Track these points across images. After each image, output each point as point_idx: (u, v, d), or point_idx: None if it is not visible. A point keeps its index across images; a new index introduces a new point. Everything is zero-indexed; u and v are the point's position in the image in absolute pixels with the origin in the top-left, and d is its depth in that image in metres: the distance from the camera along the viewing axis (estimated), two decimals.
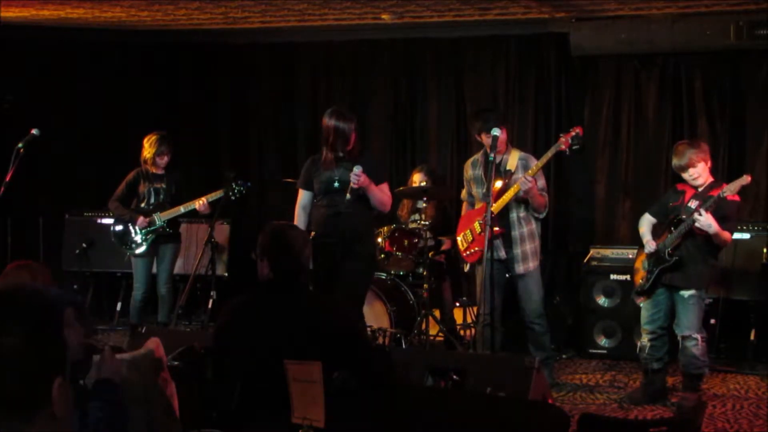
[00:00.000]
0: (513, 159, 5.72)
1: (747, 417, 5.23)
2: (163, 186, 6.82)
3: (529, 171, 5.56)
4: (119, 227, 6.84)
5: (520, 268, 5.71)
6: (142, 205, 6.81)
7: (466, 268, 6.10)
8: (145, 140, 6.80)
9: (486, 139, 5.68)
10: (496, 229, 5.61)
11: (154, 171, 6.80)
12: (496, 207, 5.58)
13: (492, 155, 5.17)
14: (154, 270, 6.93)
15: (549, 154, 5.63)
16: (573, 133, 5.61)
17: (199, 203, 6.64)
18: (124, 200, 6.83)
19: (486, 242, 5.12)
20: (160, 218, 6.72)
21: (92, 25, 7.87)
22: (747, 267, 6.43)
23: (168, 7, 7.07)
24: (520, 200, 5.66)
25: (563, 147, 5.59)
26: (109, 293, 8.19)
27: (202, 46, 8.59)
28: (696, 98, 7.22)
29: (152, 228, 6.74)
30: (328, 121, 5.28)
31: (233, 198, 6.64)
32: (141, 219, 6.72)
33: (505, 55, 7.82)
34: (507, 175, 5.67)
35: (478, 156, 5.92)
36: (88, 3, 6.88)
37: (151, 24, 7.88)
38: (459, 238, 5.94)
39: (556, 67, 7.63)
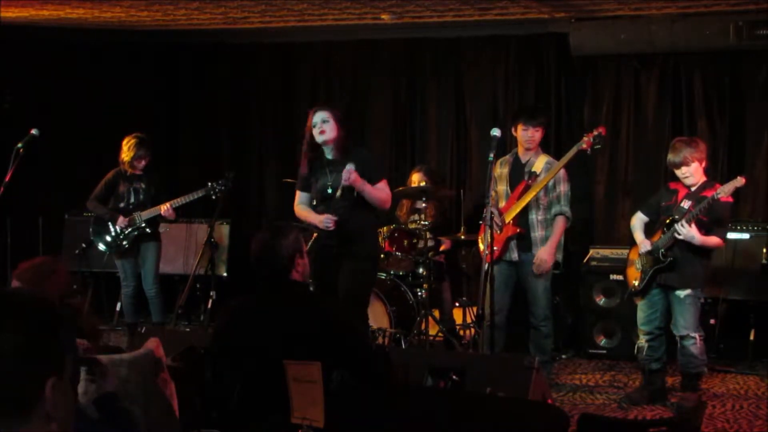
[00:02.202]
0: (540, 162, 5.74)
1: (746, 417, 5.23)
2: (143, 186, 6.82)
3: (538, 162, 5.59)
4: (98, 227, 6.85)
5: (534, 271, 5.71)
6: (121, 204, 6.82)
7: (485, 267, 6.09)
8: (124, 143, 6.79)
9: (519, 133, 5.81)
10: (517, 228, 5.68)
11: (132, 172, 6.80)
12: (516, 207, 5.68)
13: (491, 155, 5.16)
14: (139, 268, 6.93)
15: (570, 153, 5.67)
16: (595, 133, 5.66)
17: (164, 208, 6.65)
18: (103, 200, 6.84)
19: (486, 242, 5.13)
20: (140, 217, 6.73)
21: (92, 25, 7.87)
22: (747, 267, 6.43)
23: (168, 8, 7.08)
24: (543, 205, 5.67)
25: (585, 146, 5.62)
26: (109, 293, 8.18)
27: (202, 46, 8.60)
28: (696, 98, 7.22)
29: (133, 227, 6.75)
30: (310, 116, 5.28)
31: (214, 197, 6.63)
32: (121, 218, 6.73)
33: (505, 55, 7.81)
34: (531, 177, 5.69)
35: (507, 156, 5.98)
36: (88, 3, 6.88)
37: (151, 24, 7.88)
38: (480, 238, 5.93)
39: (555, 68, 7.62)
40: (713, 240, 5.25)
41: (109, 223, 6.76)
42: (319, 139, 5.19)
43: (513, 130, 5.92)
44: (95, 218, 6.91)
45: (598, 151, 5.86)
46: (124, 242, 6.76)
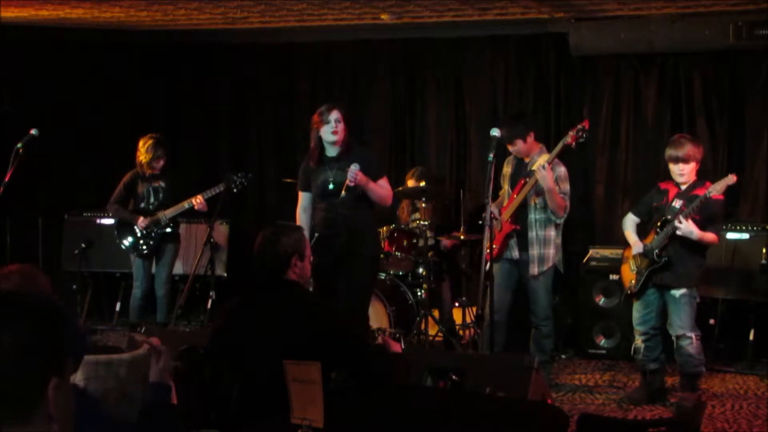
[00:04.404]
0: (541, 161, 5.72)
1: (746, 417, 5.23)
2: (162, 185, 6.83)
3: (539, 161, 5.59)
4: (123, 229, 6.85)
5: (530, 271, 5.71)
6: (142, 205, 6.83)
7: (487, 266, 6.07)
8: (141, 143, 6.80)
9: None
10: (513, 225, 5.70)
11: (151, 172, 6.81)
12: (512, 205, 5.72)
13: (491, 155, 5.16)
14: (153, 270, 6.94)
15: (557, 148, 5.67)
16: (579, 127, 5.68)
17: (197, 201, 6.66)
18: (123, 202, 6.84)
19: (485, 243, 5.13)
20: (165, 216, 6.74)
21: (92, 25, 7.87)
22: (746, 267, 6.43)
23: (167, 8, 7.07)
24: (539, 204, 5.67)
25: (570, 141, 5.62)
26: (109, 293, 8.19)
27: (202, 46, 8.60)
28: (695, 98, 7.22)
29: (158, 226, 6.76)
30: (319, 109, 5.31)
31: (235, 190, 6.65)
32: (141, 219, 6.73)
33: (505, 55, 7.82)
34: (530, 176, 5.68)
35: (512, 156, 6.00)
36: (88, 3, 6.87)
37: (150, 24, 7.88)
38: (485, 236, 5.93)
39: (555, 68, 7.63)
40: (710, 236, 5.26)
41: (134, 226, 6.77)
42: (332, 138, 5.22)
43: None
44: (118, 221, 6.92)
45: (582, 145, 5.85)
46: (151, 242, 6.77)
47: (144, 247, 6.79)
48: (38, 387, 1.54)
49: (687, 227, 5.14)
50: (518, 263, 5.78)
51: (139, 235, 6.78)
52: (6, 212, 7.29)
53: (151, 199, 6.82)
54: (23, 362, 1.54)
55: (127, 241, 6.84)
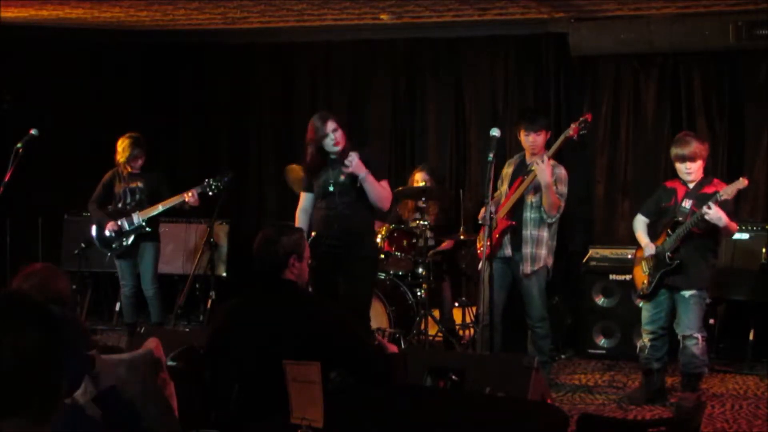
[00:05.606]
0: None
1: (746, 417, 5.23)
2: (140, 185, 6.79)
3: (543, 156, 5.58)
4: (97, 230, 6.84)
5: (522, 269, 5.71)
6: (119, 205, 6.80)
7: (480, 265, 6.08)
8: (118, 143, 6.79)
9: (522, 138, 5.80)
10: (509, 221, 5.68)
11: (129, 171, 6.79)
12: (510, 202, 5.69)
13: (491, 155, 5.16)
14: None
15: (559, 141, 5.67)
16: (581, 119, 5.66)
17: (188, 195, 6.60)
18: (102, 202, 6.83)
19: (485, 242, 5.13)
20: (139, 217, 6.70)
21: (92, 25, 7.87)
22: (746, 267, 6.43)
23: (167, 8, 7.08)
24: (535, 203, 5.66)
25: (572, 133, 5.62)
26: (109, 293, 8.19)
27: (201, 46, 8.60)
28: (695, 98, 7.22)
29: (131, 228, 6.72)
30: (313, 122, 5.31)
31: (210, 194, 6.59)
32: (111, 223, 6.69)
33: (504, 55, 7.82)
34: (528, 175, 5.67)
35: (515, 157, 5.99)
36: (88, 3, 6.88)
37: (150, 24, 7.89)
38: (479, 237, 5.93)
39: (555, 68, 7.62)
40: (734, 225, 5.26)
41: (104, 227, 6.76)
42: (334, 149, 5.25)
43: (517, 134, 5.91)
44: (94, 222, 6.91)
45: (584, 137, 5.85)
46: (123, 242, 6.74)
47: (116, 246, 6.77)
48: (57, 388, 1.55)
49: (716, 213, 5.10)
50: (510, 262, 5.77)
51: (110, 236, 6.75)
52: (6, 212, 7.29)
53: (128, 200, 6.79)
54: (24, 363, 1.54)
55: (102, 242, 6.82)
